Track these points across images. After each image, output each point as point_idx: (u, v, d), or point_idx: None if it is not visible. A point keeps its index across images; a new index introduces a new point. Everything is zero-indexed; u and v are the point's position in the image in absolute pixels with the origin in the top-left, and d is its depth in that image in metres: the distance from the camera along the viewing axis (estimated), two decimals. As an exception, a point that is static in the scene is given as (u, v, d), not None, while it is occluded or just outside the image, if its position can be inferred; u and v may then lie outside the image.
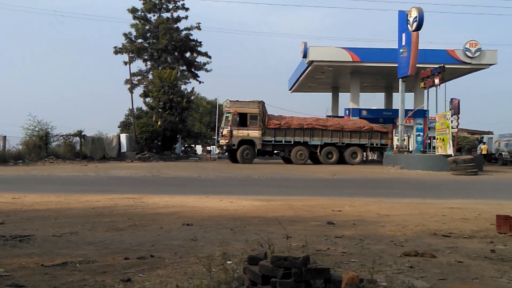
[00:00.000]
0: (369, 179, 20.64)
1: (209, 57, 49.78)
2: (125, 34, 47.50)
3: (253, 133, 32.63)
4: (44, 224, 7.71)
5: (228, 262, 4.82)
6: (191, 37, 48.49)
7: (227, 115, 32.91)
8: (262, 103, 33.12)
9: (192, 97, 48.48)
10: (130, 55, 46.09)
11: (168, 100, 42.18)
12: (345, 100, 44.77)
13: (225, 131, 32.53)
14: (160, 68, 46.72)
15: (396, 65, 33.18)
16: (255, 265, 3.85)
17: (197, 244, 6.12)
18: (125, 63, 46.33)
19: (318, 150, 33.64)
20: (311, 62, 37.17)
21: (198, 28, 48.01)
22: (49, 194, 12.43)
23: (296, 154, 33.26)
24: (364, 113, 39.77)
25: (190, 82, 50.98)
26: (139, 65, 59.66)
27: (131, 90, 44.75)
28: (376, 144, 34.98)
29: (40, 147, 32.33)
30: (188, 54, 49.67)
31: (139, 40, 47.53)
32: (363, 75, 39.61)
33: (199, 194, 12.71)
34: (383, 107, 45.38)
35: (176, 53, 48.39)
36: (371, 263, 4.71)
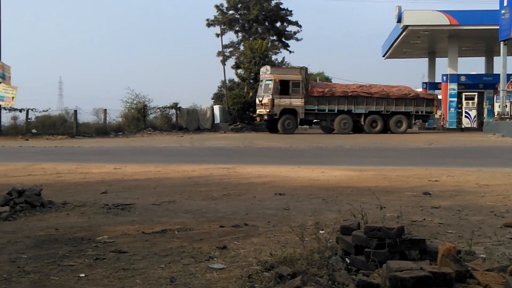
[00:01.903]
0: (468, 148, 19.82)
1: (300, 26, 49.32)
2: (216, 6, 48.02)
3: (296, 101, 30.90)
4: (144, 193, 8.07)
5: (320, 231, 4.83)
6: (281, 6, 48.21)
7: (267, 82, 31.10)
8: (305, 69, 31.67)
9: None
10: (222, 27, 46.61)
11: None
12: (442, 65, 43.01)
13: (265, 100, 30.69)
14: (251, 39, 46.91)
15: (497, 27, 31.26)
16: (348, 235, 3.83)
17: (289, 213, 6.18)
18: (217, 35, 46.94)
19: (362, 119, 31.98)
20: (405, 27, 35.83)
21: (288, -4, 47.65)
22: (148, 164, 12.96)
23: (340, 123, 31.59)
24: (463, 78, 38.01)
25: (280, 52, 50.75)
26: (230, 36, 60.14)
27: (223, 62, 45.36)
28: (421, 112, 33.11)
29: (139, 119, 33.63)
30: (278, 24, 49.47)
31: (231, 12, 47.91)
32: (461, 39, 37.72)
33: (291, 164, 12.77)
34: (483, 72, 43.16)
35: (266, 23, 48.34)
36: (470, 234, 4.55)
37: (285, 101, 30.73)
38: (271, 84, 30.59)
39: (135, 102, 34.63)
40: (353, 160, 14.44)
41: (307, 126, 35.63)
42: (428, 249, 3.62)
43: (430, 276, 2.75)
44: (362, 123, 32.07)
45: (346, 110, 31.69)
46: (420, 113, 33.31)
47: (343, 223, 4.15)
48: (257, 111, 32.03)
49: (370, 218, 4.61)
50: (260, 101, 31.16)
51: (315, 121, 33.18)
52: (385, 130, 32.27)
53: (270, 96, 30.38)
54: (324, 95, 31.36)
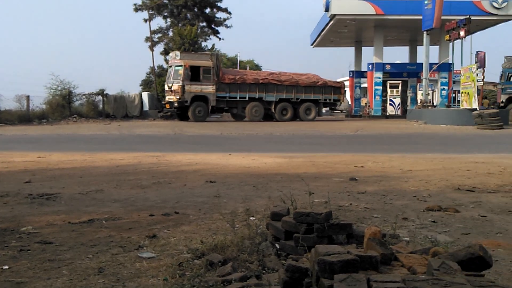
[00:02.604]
0: (392, 135, 20.50)
1: (229, 12, 49.20)
2: (144, -9, 47.07)
3: (207, 88, 30.43)
4: (69, 182, 7.85)
5: (251, 218, 4.87)
6: (211, -8, 47.86)
7: (177, 68, 30.20)
8: (216, 56, 31.48)
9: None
10: (150, 12, 45.77)
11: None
12: (369, 54, 44.06)
13: (175, 86, 29.84)
14: (180, 25, 46.36)
15: (420, 17, 32.45)
16: (278, 221, 3.88)
17: (220, 200, 6.18)
18: (145, 20, 46.07)
19: (272, 107, 32.37)
20: (333, 16, 36.46)
21: (218, -18, 47.35)
22: (73, 152, 12.61)
23: (251, 110, 31.73)
24: (387, 67, 39.17)
25: (210, 39, 50.50)
26: (159, 22, 59.37)
27: (151, 47, 44.59)
28: (330, 100, 34.17)
29: (64, 106, 32.68)
30: (208, 10, 49.13)
31: (159, -3, 47.07)
32: (386, 28, 38.81)
33: (221, 152, 12.77)
34: (407, 61, 44.62)
35: (196, 9, 47.89)
36: (394, 218, 4.71)
37: (196, 88, 30.13)
38: (181, 70, 29.85)
39: (59, 88, 33.57)
40: (283, 147, 14.62)
41: (219, 114, 35.47)
42: (355, 233, 3.72)
43: (357, 259, 2.82)
44: (273, 110, 32.42)
45: (257, 97, 31.89)
46: (328, 100, 34.19)
47: (273, 209, 4.19)
48: (167, 98, 31.24)
49: (299, 204, 4.68)
50: (170, 88, 30.31)
51: (226, 109, 32.89)
52: (295, 117, 32.83)
53: (180, 82, 29.64)
54: (236, 82, 31.25)
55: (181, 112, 30.91)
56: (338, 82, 35.27)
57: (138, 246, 4.19)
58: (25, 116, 30.34)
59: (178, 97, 29.64)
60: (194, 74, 30.00)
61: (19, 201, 6.23)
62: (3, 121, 28.44)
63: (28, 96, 31.82)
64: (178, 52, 30.80)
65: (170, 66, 31.32)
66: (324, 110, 38.04)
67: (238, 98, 31.54)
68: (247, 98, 31.67)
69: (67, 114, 32.13)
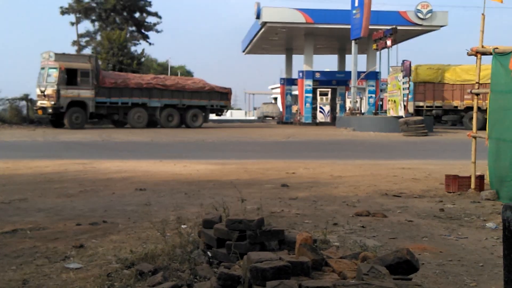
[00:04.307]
0: (323, 141, 20.88)
1: (159, 17, 48.92)
2: (72, -6, 45.93)
3: (85, 93, 28.16)
4: (-9, 191, 7.49)
5: (182, 226, 4.81)
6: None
7: (51, 70, 27.65)
8: (94, 58, 29.70)
9: (143, 59, 47.61)
10: (77, 15, 44.68)
11: (118, 62, 41.25)
12: (299, 62, 44.79)
13: (49, 91, 27.28)
14: (108, 29, 45.52)
15: (349, 26, 33.27)
16: (210, 229, 3.85)
17: (150, 209, 6.07)
18: (72, 23, 44.99)
19: (157, 113, 30.96)
20: (264, 23, 36.80)
21: (147, -14, 46.87)
22: (-4, 160, 12.07)
23: (134, 116, 30.06)
24: (317, 75, 39.89)
25: (140, 44, 50.05)
26: (86, 26, 58.09)
27: (78, 51, 43.54)
28: (216, 106, 33.45)
29: (-17, 111, 31.26)
30: (137, 15, 48.52)
31: (86, 0, 46.04)
32: (316, 36, 39.56)
33: (152, 159, 12.58)
34: (336, 69, 45.64)
35: (125, 13, 47.22)
36: (324, 224, 4.78)
37: (72, 93, 27.88)
38: (55, 73, 27.45)
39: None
40: (216, 154, 14.58)
41: (97, 120, 32.75)
42: (286, 240, 3.74)
43: (288, 266, 2.83)
44: (158, 117, 31.12)
45: (140, 103, 30.33)
46: (215, 106, 33.40)
47: (205, 216, 4.15)
48: (39, 103, 28.36)
49: (231, 211, 4.66)
50: (43, 92, 27.53)
51: (106, 115, 30.67)
52: (182, 124, 31.98)
53: (55, 86, 27.29)
54: (117, 87, 29.48)
55: (55, 118, 28.57)
56: (225, 88, 34.32)
57: (65, 257, 4.06)
58: None
59: (52, 102, 27.25)
60: (70, 77, 27.88)
61: None
62: None
63: None
64: (52, 53, 28.04)
65: (43, 68, 28.35)
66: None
67: (120, 104, 29.75)
68: (129, 104, 29.98)
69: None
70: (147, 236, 4.69)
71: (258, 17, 36.98)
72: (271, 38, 41.72)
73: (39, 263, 3.91)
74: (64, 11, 45.76)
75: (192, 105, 31.99)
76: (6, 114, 33.23)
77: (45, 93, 27.35)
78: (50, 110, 27.49)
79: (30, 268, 3.77)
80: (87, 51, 46.73)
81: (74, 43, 45.03)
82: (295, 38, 41.16)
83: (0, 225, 5.16)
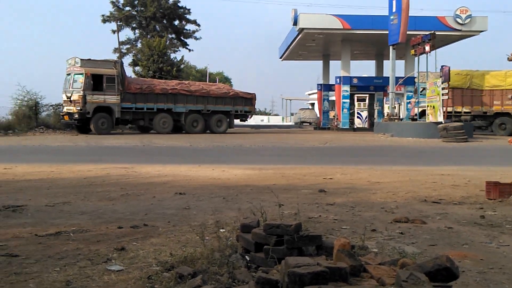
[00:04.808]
0: (360, 147, 20.73)
1: (198, 25, 49.41)
2: (112, 2, 46.91)
3: (111, 98, 28.18)
4: (36, 194, 7.71)
5: (221, 230, 4.86)
6: (179, 4, 47.94)
7: (77, 76, 27.68)
8: (120, 63, 29.60)
9: (182, 66, 48.13)
10: (118, 23, 45.54)
11: (158, 69, 41.81)
12: (336, 67, 44.56)
13: (75, 96, 27.30)
14: (148, 36, 46.24)
15: (386, 32, 32.97)
16: (248, 233, 3.88)
17: (190, 212, 6.16)
18: (114, 31, 45.84)
19: (182, 118, 30.79)
20: (301, 30, 36.80)
21: (187, -5, 47.48)
22: (40, 164, 12.40)
23: (159, 122, 29.97)
24: (355, 81, 39.62)
25: (179, 51, 50.58)
26: (127, 33, 59.23)
27: (120, 59, 44.31)
28: (240, 111, 33.13)
29: (30, 117, 31.98)
30: (176, 22, 49.16)
31: (127, 8, 46.92)
32: (353, 42, 39.34)
33: (191, 164, 12.72)
34: (374, 75, 45.25)
35: (164, 21, 47.94)
36: (362, 230, 4.76)
37: (98, 98, 27.86)
38: (81, 79, 27.47)
39: (26, 99, 32.88)
40: (253, 159, 14.64)
41: (128, 126, 33.20)
42: (324, 245, 3.75)
43: (326, 271, 2.85)
44: (183, 122, 30.97)
45: (166, 108, 30.27)
46: (239, 112, 33.13)
47: (243, 221, 4.19)
48: (65, 109, 28.51)
49: (269, 215, 4.69)
50: (69, 98, 27.67)
51: (132, 120, 30.58)
52: (206, 129, 31.84)
53: (81, 92, 27.30)
54: (142, 92, 29.46)
55: (81, 124, 28.50)
56: (249, 93, 33.98)
57: (107, 259, 4.14)
58: (-10, 127, 29.69)
59: (78, 108, 27.27)
60: (96, 83, 27.82)
61: (-17, 213, 6.09)
62: (-33, 132, 27.79)
63: (-6, 107, 31.20)
64: (78, 59, 28.12)
65: (69, 74, 28.47)
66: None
67: (145, 109, 29.75)
68: (155, 109, 29.96)
69: (33, 125, 31.41)
70: (187, 240, 4.77)
71: (295, 23, 37.00)
72: (308, 44, 41.68)
73: (82, 265, 3.99)
74: (105, 19, 46.73)
75: (216, 110, 31.89)
76: (50, 120, 34.01)
77: (71, 98, 27.52)
78: (76, 116, 27.58)
79: (73, 269, 3.86)
80: (128, 58, 47.64)
81: (116, 50, 45.88)
82: (332, 44, 41.00)
83: (45, 227, 5.31)
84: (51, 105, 34.44)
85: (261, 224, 3.98)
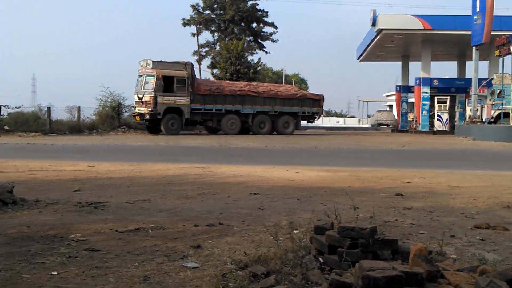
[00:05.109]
0: (440, 150, 20.12)
1: (276, 27, 49.71)
2: (193, 6, 48.02)
3: (181, 100, 28.66)
4: (117, 191, 8.01)
5: (294, 231, 4.86)
6: (257, 7, 48.41)
7: (148, 78, 28.43)
8: (190, 65, 29.57)
9: (259, 68, 48.51)
10: (198, 26, 46.55)
11: (235, 71, 42.37)
12: (416, 69, 43.55)
13: (147, 97, 28.07)
14: (227, 39, 46.98)
15: (469, 32, 31.84)
16: (322, 235, 3.87)
17: (264, 213, 6.20)
18: (193, 34, 46.93)
19: (250, 119, 30.79)
20: (380, 31, 36.22)
21: (265, -3, 47.86)
22: (122, 162, 12.84)
23: (227, 123, 30.15)
24: (435, 82, 38.57)
25: (256, 53, 51.06)
26: (206, 36, 60.46)
27: (199, 61, 45.38)
28: (308, 113, 32.81)
29: (113, 117, 33.24)
30: (254, 25, 49.66)
31: (207, 12, 47.87)
32: (434, 43, 38.29)
33: (265, 164, 12.79)
34: (455, 76, 43.83)
35: (242, 24, 48.53)
36: (441, 235, 4.62)
37: (169, 99, 28.43)
38: (153, 80, 28.13)
39: (109, 100, 34.26)
40: (328, 161, 14.53)
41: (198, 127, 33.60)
42: (400, 249, 3.68)
43: (402, 276, 2.79)
44: (250, 123, 31.02)
45: (233, 110, 30.36)
46: (307, 113, 32.79)
47: (317, 223, 4.18)
48: (136, 110, 29.43)
49: (343, 218, 4.65)
50: (140, 99, 28.48)
51: (201, 121, 31.02)
52: (273, 131, 31.64)
53: (152, 93, 27.96)
54: (212, 94, 29.69)
55: (152, 125, 29.19)
56: (317, 95, 33.71)
57: (183, 256, 4.24)
58: (75, 127, 31.11)
59: (149, 109, 27.94)
60: (167, 84, 28.41)
61: (68, 209, 6.39)
62: (55, 131, 29.25)
63: (79, 107, 32.69)
64: (150, 61, 28.86)
65: (140, 76, 29.35)
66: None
67: (213, 111, 29.96)
68: (223, 111, 30.13)
69: (116, 125, 32.67)
70: (260, 239, 4.80)
71: (373, 24, 36.46)
72: (386, 45, 40.96)
73: (159, 261, 4.10)
74: (186, 23, 47.94)
75: (283, 111, 31.81)
76: (132, 120, 35.27)
77: (143, 100, 28.15)
78: (147, 117, 28.18)
79: (151, 265, 3.97)
80: (207, 60, 48.65)
81: (195, 53, 46.95)
82: (412, 44, 40.10)
83: (125, 224, 5.51)
84: (133, 106, 35.71)
85: (335, 226, 3.96)
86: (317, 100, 33.24)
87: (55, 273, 3.75)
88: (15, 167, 11.48)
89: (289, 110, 31.91)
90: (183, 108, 28.85)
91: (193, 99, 29.08)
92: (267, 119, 31.41)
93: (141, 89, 28.74)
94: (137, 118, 29.44)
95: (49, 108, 30.95)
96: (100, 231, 5.15)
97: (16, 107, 30.74)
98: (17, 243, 4.63)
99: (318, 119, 35.13)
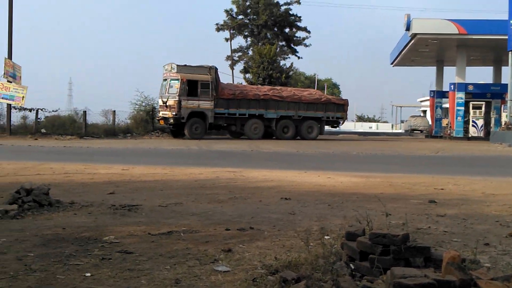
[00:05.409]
0: (475, 157, 19.77)
1: (308, 32, 49.59)
2: (226, 11, 48.34)
3: (205, 104, 28.42)
4: (150, 194, 8.11)
5: (325, 237, 4.85)
6: (290, 12, 48.42)
7: (173, 82, 28.34)
8: (214, 69, 29.17)
9: (291, 73, 48.45)
10: (231, 31, 46.81)
11: (267, 76, 42.40)
12: (451, 74, 42.89)
13: (171, 101, 27.89)
14: (260, 44, 47.10)
15: (506, 37, 31.20)
16: (353, 241, 3.85)
17: (295, 218, 6.20)
18: (226, 39, 47.23)
19: (273, 124, 30.41)
20: (414, 35, 35.76)
21: (298, 2, 47.91)
22: (155, 166, 13.00)
23: (251, 128, 29.81)
24: (470, 87, 37.89)
25: (289, 58, 51.00)
26: (239, 41, 60.89)
27: (232, 66, 45.66)
28: (332, 118, 32.28)
29: (147, 121, 33.57)
30: (287, 30, 49.67)
31: (240, 17, 48.11)
32: (469, 48, 37.63)
33: (297, 169, 12.78)
34: (491, 82, 43.03)
35: (275, 29, 48.61)
36: (475, 243, 4.55)
37: (193, 104, 28.22)
38: (177, 84, 28.00)
39: (143, 104, 34.64)
40: (360, 167, 14.43)
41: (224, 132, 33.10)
42: (432, 257, 3.64)
43: (434, 284, 2.77)
44: (274, 128, 30.66)
45: (257, 114, 30.09)
46: (331, 118, 32.31)
47: (348, 229, 4.17)
48: (160, 114, 29.30)
49: (375, 224, 4.63)
50: (164, 103, 28.30)
51: (224, 126, 30.68)
52: (296, 135, 31.31)
53: (177, 97, 27.82)
54: (235, 98, 29.44)
55: (176, 129, 29.23)
56: (342, 99, 33.30)
57: (214, 260, 4.27)
58: (110, 130, 31.58)
59: (174, 113, 27.77)
60: (191, 88, 28.20)
61: (102, 211, 6.51)
62: (90, 134, 29.75)
63: (114, 111, 33.14)
64: (174, 65, 28.70)
65: (165, 80, 29.27)
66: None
67: (237, 115, 29.71)
68: (246, 115, 29.84)
69: (150, 129, 32.97)
70: (291, 245, 4.81)
71: (407, 29, 36.00)
72: (421, 50, 40.45)
73: (191, 264, 4.14)
74: (219, 28, 48.29)
75: (307, 116, 31.44)
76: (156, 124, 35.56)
77: (167, 104, 28.01)
78: (171, 121, 28.12)
79: (182, 268, 4.01)
80: (240, 65, 48.84)
81: (228, 58, 47.24)
82: (446, 49, 39.50)
83: (157, 227, 5.58)
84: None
85: (366, 232, 3.94)
86: (342, 105, 32.85)
87: (88, 274, 3.83)
88: (51, 169, 11.73)
89: (313, 115, 31.57)
90: (207, 112, 28.71)
91: (217, 103, 28.93)
92: (291, 123, 31.12)
93: (165, 93, 28.74)
94: (161, 122, 29.45)
95: (85, 112, 31.50)
96: (133, 234, 5.23)
97: (53, 111, 31.49)
98: (52, 244, 4.73)
99: (342, 124, 34.73)
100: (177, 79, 28.06)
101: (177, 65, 28.49)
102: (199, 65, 29.31)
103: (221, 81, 30.59)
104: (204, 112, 28.61)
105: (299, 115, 31.14)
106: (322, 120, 32.15)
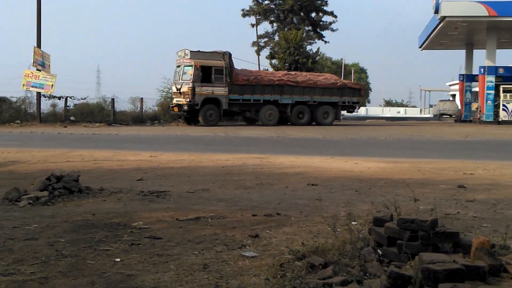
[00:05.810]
0: (505, 141, 19.44)
1: (335, 16, 49.07)
2: (252, -4, 48.09)
3: (219, 90, 27.78)
4: (178, 181, 8.19)
5: (353, 222, 4.83)
6: (317, -4, 47.95)
7: (186, 68, 27.65)
8: (228, 55, 28.44)
9: (317, 58, 48.04)
10: (257, 17, 46.61)
11: (294, 61, 42.12)
12: (480, 57, 42.07)
13: (185, 88, 27.25)
14: (286, 29, 46.81)
15: (538, 18, 30.48)
16: (381, 227, 3.83)
17: (322, 204, 6.19)
18: (252, 25, 47.06)
19: (288, 110, 29.80)
20: (443, 18, 35.11)
21: (324, -14, 47.32)
22: (182, 153, 13.09)
23: (266, 114, 29.18)
24: (501, 71, 37.10)
25: (315, 42, 50.59)
26: (265, 27, 60.58)
27: (258, 52, 45.45)
28: (348, 102, 31.53)
29: (174, 108, 33.69)
30: (313, 14, 49.24)
31: (266, 2, 47.85)
32: (500, 30, 36.81)
33: (323, 155, 12.73)
34: (522, 65, 42.09)
35: (301, 14, 48.21)
36: (505, 229, 4.48)
37: (207, 90, 27.57)
38: (191, 71, 27.30)
39: (170, 91, 34.75)
40: (387, 152, 14.31)
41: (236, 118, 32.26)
42: (461, 242, 3.60)
43: (463, 269, 2.74)
44: (289, 114, 30.06)
45: (272, 100, 29.47)
46: (347, 103, 31.66)
47: (376, 214, 4.15)
48: (174, 101, 28.61)
49: (403, 210, 4.59)
50: (178, 90, 27.72)
51: (239, 112, 29.99)
52: (312, 121, 30.76)
53: (190, 84, 27.14)
54: (250, 84, 28.79)
55: (190, 115, 28.43)
56: (358, 84, 32.59)
57: (241, 245, 4.31)
58: (138, 117, 31.82)
59: (188, 99, 27.16)
60: (205, 74, 27.49)
61: (131, 197, 6.60)
62: (118, 122, 30.05)
63: (142, 98, 33.33)
64: (188, 51, 27.97)
65: (178, 66, 28.54)
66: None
67: (252, 101, 29.10)
68: (261, 101, 29.22)
69: (177, 116, 33.18)
70: (318, 230, 4.81)
71: (436, 11, 35.33)
72: (450, 33, 39.72)
73: (218, 249, 4.19)
74: (245, 14, 48.12)
75: (323, 101, 30.83)
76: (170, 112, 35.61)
77: (181, 90, 27.50)
78: (185, 107, 27.51)
79: (210, 253, 4.06)
80: (266, 51, 48.62)
81: (254, 43, 47.09)
82: (476, 32, 38.72)
83: (185, 212, 5.63)
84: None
85: (394, 218, 3.91)
86: (358, 90, 32.24)
87: (118, 259, 3.90)
88: (80, 156, 11.90)
89: (328, 100, 30.89)
90: (221, 98, 28.11)
91: (231, 89, 28.33)
92: (306, 109, 30.46)
93: (179, 79, 28.19)
94: (175, 109, 28.70)
95: (113, 100, 31.78)
96: (162, 220, 5.29)
97: (81, 99, 31.83)
98: (82, 230, 4.82)
99: (358, 109, 34.09)
100: (191, 65, 27.51)
101: (191, 51, 27.98)
102: (212, 51, 28.94)
103: (244, 67, 30.36)
104: (218, 98, 28.07)
105: (314, 100, 30.61)
106: (338, 105, 31.52)
